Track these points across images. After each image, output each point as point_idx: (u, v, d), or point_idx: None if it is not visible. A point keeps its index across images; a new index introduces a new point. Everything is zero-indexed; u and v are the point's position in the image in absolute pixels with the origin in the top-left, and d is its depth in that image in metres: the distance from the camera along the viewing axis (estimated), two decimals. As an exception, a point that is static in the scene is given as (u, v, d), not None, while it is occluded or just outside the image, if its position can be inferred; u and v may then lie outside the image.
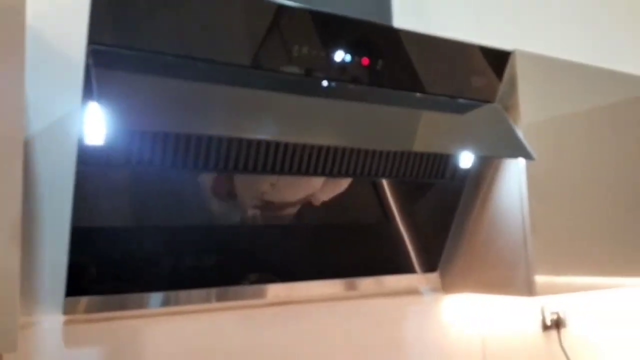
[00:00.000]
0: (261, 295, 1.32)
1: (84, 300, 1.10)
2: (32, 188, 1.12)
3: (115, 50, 0.93)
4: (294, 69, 1.08)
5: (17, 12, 0.84)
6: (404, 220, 1.42)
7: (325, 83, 1.11)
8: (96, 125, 0.95)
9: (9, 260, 0.80)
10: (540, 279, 1.35)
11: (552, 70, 1.46)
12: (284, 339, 1.37)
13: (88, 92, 0.95)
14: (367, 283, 1.45)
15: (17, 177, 0.82)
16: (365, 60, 1.13)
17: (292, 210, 1.27)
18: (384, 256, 1.45)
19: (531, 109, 1.40)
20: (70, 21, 1.17)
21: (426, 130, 1.20)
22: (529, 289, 1.35)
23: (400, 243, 1.45)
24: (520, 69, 1.39)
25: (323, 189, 1.27)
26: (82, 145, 0.98)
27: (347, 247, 1.39)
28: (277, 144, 1.13)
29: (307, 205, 1.27)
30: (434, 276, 1.55)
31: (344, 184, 1.29)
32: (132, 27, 0.94)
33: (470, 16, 1.80)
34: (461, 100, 1.29)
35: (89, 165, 1.00)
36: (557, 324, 1.79)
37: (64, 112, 1.17)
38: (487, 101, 1.34)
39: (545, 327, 1.78)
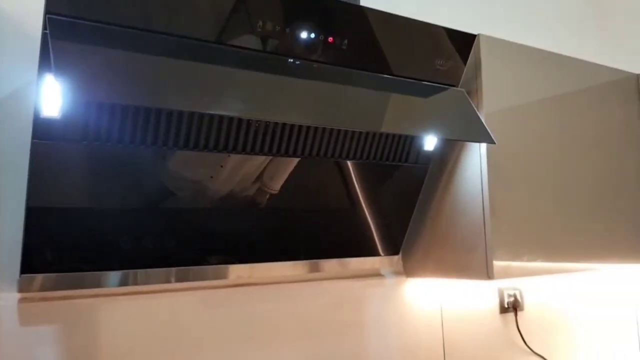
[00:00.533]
0: (223, 276, 1.31)
1: (39, 278, 1.08)
2: (-15, 162, 1.08)
3: (73, 21, 0.90)
4: (258, 45, 1.07)
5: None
6: (368, 203, 1.43)
7: (289, 60, 1.10)
8: (52, 97, 0.92)
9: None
10: (498, 262, 1.38)
11: (516, 56, 1.49)
12: (246, 319, 1.37)
13: (44, 63, 0.93)
14: (330, 265, 1.46)
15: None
16: (330, 39, 1.12)
17: (252, 193, 1.26)
18: (347, 239, 1.46)
19: (494, 94, 1.42)
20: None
21: (391, 111, 1.20)
22: (487, 273, 1.38)
23: (364, 226, 1.46)
24: (484, 54, 1.41)
25: (268, 169, 1.26)
26: (38, 119, 0.95)
27: (312, 230, 1.39)
28: (240, 121, 1.12)
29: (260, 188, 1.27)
30: (396, 259, 1.57)
31: (289, 165, 1.28)
32: (91, -3, 0.91)
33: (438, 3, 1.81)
34: (425, 83, 1.31)
35: (45, 139, 0.97)
36: (515, 306, 1.84)
37: (19, 85, 1.13)
38: (452, 85, 1.35)
39: (503, 309, 1.83)
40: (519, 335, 1.83)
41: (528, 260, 1.45)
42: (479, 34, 1.39)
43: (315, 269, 1.44)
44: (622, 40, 2.27)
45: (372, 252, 1.51)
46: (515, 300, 1.84)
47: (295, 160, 1.26)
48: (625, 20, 2.30)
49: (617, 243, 1.66)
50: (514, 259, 1.42)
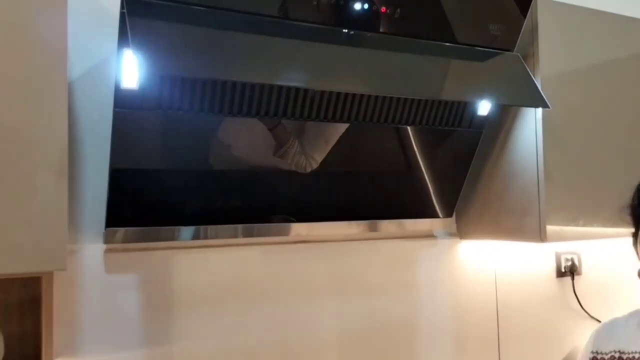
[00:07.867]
0: (284, 233, 1.42)
1: (121, 231, 1.22)
2: (74, 128, 1.22)
3: (148, 1, 1.00)
4: (317, 18, 1.13)
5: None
6: (424, 167, 1.48)
7: (344, 31, 1.15)
8: (130, 70, 1.03)
9: (58, 192, 0.90)
10: (551, 227, 1.41)
11: (574, 19, 1.47)
12: (303, 274, 1.48)
13: (123, 39, 1.03)
14: (385, 225, 1.53)
15: (62, 118, 0.91)
16: (383, 9, 1.17)
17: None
18: (402, 201, 1.52)
19: (551, 58, 1.42)
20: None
21: (445, 78, 1.25)
22: (540, 236, 1.41)
23: (419, 188, 1.52)
24: (541, 17, 1.41)
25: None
26: (118, 89, 1.07)
27: (367, 191, 1.46)
28: (297, 90, 1.19)
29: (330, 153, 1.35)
30: (449, 221, 1.61)
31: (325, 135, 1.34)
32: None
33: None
34: (479, 49, 1.33)
35: (125, 108, 1.09)
36: (572, 270, 1.85)
37: (100, 58, 1.25)
38: (507, 50, 1.36)
39: (560, 274, 1.84)
40: (575, 299, 1.84)
41: (584, 225, 1.46)
42: (537, -3, 1.39)
43: (370, 229, 1.52)
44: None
45: (426, 214, 1.57)
46: (573, 264, 1.85)
47: (331, 130, 1.32)
48: None
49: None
50: (568, 223, 1.44)
